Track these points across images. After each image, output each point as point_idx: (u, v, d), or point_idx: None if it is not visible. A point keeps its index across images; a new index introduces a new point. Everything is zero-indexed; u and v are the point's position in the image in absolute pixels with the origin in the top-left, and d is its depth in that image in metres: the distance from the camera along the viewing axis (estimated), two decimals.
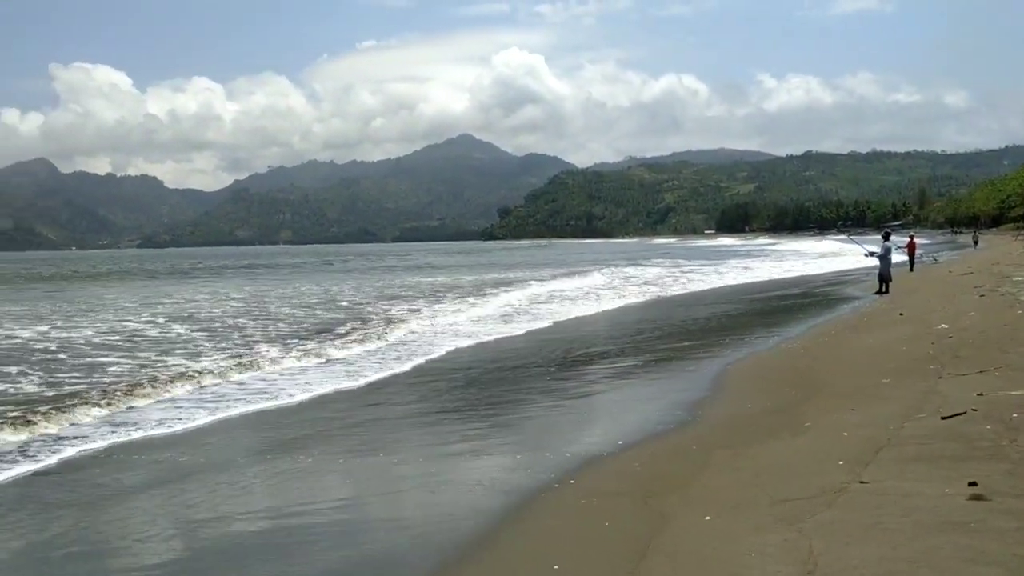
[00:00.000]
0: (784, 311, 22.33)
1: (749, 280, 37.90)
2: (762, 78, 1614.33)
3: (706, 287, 34.28)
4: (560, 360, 14.61)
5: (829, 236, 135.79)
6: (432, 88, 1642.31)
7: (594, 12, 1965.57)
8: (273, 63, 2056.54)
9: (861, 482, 5.95)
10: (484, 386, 12.56)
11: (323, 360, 15.21)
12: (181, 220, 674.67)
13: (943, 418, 7.51)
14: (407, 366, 14.48)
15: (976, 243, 67.04)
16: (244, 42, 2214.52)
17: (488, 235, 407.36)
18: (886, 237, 26.99)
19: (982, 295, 19.86)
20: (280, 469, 8.06)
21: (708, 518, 5.68)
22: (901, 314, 17.79)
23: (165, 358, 15.67)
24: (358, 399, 11.74)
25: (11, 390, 12.48)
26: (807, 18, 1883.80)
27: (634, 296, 29.80)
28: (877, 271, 25.63)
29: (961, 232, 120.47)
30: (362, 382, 12.99)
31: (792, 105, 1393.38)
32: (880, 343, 13.46)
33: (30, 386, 12.80)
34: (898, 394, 9.04)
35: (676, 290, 32.73)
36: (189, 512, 6.87)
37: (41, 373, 14.03)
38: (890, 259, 25.69)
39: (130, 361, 15.43)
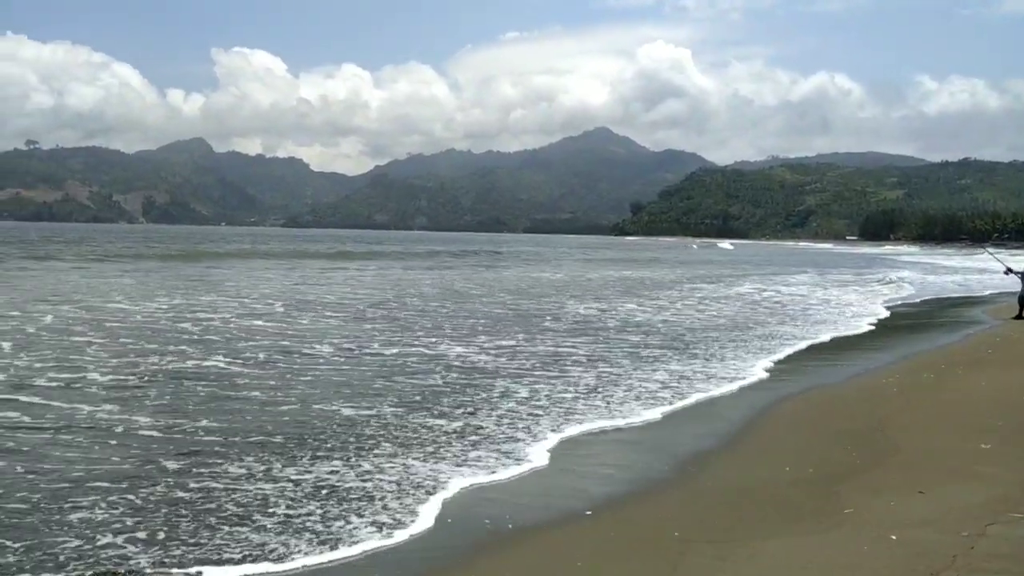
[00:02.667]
0: (885, 332, 18.61)
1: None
2: (921, 79, 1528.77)
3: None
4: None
5: (970, 250, 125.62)
6: (573, 80, 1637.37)
7: (741, 7, 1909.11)
8: (418, 52, 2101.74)
9: None
10: None
11: None
12: (323, 202, 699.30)
13: None
14: None
15: None
16: (391, 31, 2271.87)
17: (619, 230, 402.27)
18: None
19: None
20: None
21: None
22: None
23: None
24: None
25: None
26: (974, 16, 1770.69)
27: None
28: (1018, 293, 21.48)
29: None
30: None
31: (953, 109, 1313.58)
32: (994, 388, 10.28)
33: None
34: (994, 472, 6.38)
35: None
36: None
37: None
38: None
39: None
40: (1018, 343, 15.46)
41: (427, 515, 6.29)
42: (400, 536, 5.92)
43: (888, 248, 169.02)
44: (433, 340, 15.63)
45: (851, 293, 30.95)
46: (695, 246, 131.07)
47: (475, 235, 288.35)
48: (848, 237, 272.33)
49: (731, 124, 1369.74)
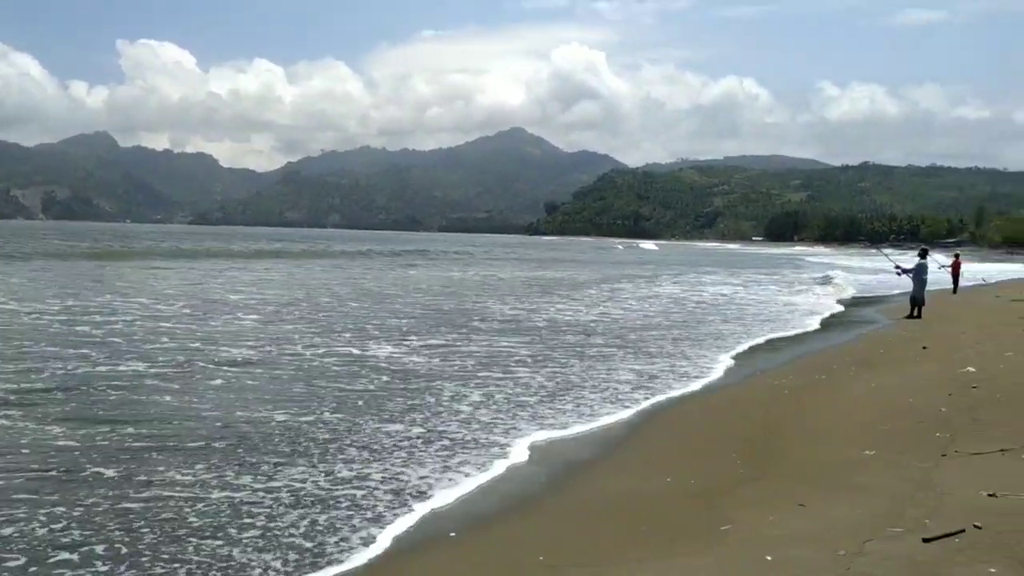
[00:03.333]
0: (761, 322, 19.37)
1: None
2: (823, 85, 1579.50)
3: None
4: None
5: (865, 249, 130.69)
6: (489, 80, 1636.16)
7: (653, 11, 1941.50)
8: (333, 49, 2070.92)
9: None
10: None
11: None
12: (233, 199, 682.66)
13: (925, 540, 4.92)
14: None
15: None
16: (305, 27, 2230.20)
17: (534, 230, 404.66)
18: (923, 254, 23.86)
19: None
20: None
21: None
22: (924, 348, 14.96)
23: None
24: None
25: None
26: (873, 26, 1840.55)
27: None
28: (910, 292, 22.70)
29: (1019, 253, 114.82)
30: None
31: (854, 115, 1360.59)
32: (884, 389, 10.72)
33: None
34: (878, 481, 6.39)
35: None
36: None
37: None
38: (925, 279, 22.66)
39: None
40: (911, 343, 16.22)
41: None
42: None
43: (799, 249, 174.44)
44: (359, 340, 15.25)
45: (796, 295, 31.58)
46: (620, 247, 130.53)
47: (391, 234, 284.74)
48: (754, 238, 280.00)
49: (643, 126, 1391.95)
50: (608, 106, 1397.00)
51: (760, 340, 17.17)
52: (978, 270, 56.90)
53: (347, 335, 16.12)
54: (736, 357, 14.63)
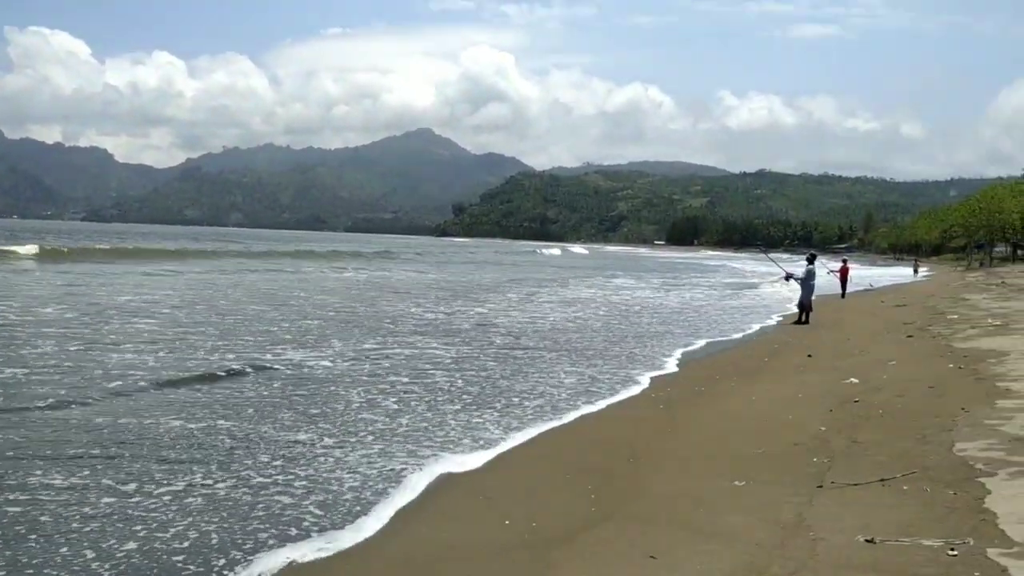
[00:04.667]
0: (657, 336, 18.63)
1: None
2: (723, 95, 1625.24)
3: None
4: None
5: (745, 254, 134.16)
6: (397, 80, 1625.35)
7: (559, 16, 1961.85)
8: (236, 43, 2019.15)
9: None
10: None
11: None
12: (129, 195, 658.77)
13: None
14: None
15: (916, 271, 64.92)
16: (207, 19, 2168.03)
17: (441, 231, 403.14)
18: (811, 260, 23.66)
19: (910, 335, 16.69)
20: None
21: None
22: (809, 356, 14.47)
23: None
24: None
25: None
26: (771, 39, 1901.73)
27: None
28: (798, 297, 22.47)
29: (903, 259, 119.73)
30: None
31: (752, 124, 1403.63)
32: (763, 403, 9.97)
33: None
34: (744, 523, 5.48)
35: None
36: None
37: None
38: (813, 284, 22.47)
39: None
40: (796, 350, 15.74)
41: None
42: None
43: (708, 253, 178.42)
44: (268, 346, 14.03)
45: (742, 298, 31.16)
46: (544, 251, 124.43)
47: (296, 233, 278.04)
48: (656, 242, 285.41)
49: (551, 130, 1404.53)
50: (516, 109, 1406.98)
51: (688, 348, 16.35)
52: (865, 275, 58.51)
53: (251, 340, 14.73)
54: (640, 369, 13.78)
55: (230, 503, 6.15)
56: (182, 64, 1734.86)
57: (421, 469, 7.14)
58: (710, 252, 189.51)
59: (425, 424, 8.92)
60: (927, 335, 16.62)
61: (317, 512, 6.02)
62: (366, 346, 14.71)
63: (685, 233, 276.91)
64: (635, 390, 11.54)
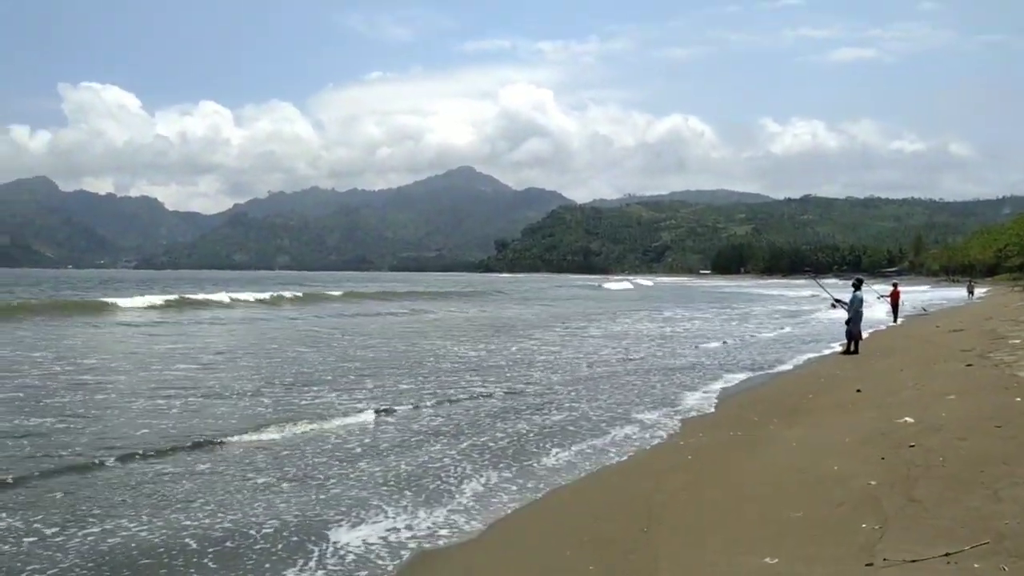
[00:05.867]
0: (698, 371, 17.52)
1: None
2: (765, 121, 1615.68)
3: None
4: None
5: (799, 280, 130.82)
6: (437, 121, 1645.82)
7: (594, 52, 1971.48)
8: (280, 91, 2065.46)
9: None
10: None
11: None
12: (179, 242, 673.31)
13: None
14: None
15: (971, 293, 62.45)
16: (251, 69, 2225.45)
17: (484, 267, 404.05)
18: (857, 285, 22.22)
19: (969, 364, 15.33)
20: None
21: None
22: (859, 391, 13.23)
23: None
24: None
25: None
26: (808, 64, 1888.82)
27: None
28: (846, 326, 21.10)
29: (958, 280, 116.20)
30: None
31: (796, 149, 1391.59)
32: (806, 450, 8.82)
33: None
34: None
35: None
36: None
37: None
38: (861, 311, 21.10)
39: None
40: (843, 384, 14.55)
41: None
42: None
43: (755, 281, 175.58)
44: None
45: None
46: (608, 285, 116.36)
47: (346, 274, 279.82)
48: (701, 271, 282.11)
49: (591, 163, 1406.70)
50: (556, 144, 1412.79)
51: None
52: (918, 298, 56.48)
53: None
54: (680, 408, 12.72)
55: None
56: (228, 113, 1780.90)
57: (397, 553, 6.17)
58: (757, 280, 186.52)
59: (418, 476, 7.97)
60: (988, 363, 15.25)
61: None
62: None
63: (731, 261, 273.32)
64: (665, 436, 10.48)
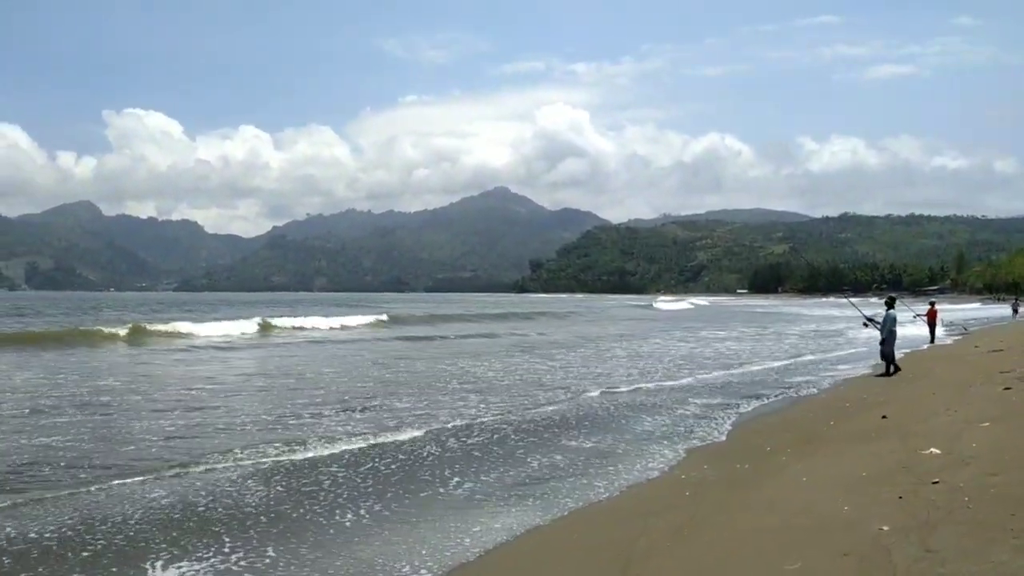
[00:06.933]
0: (719, 393, 16.53)
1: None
2: (803, 140, 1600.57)
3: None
4: None
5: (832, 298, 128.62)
6: (475, 142, 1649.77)
7: (628, 72, 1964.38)
8: (318, 115, 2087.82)
9: None
10: None
11: None
12: (219, 265, 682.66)
13: None
14: None
15: (1016, 312, 60.34)
16: (290, 94, 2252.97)
17: (520, 288, 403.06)
18: (890, 304, 21.01)
19: (1008, 387, 14.27)
20: None
21: None
22: (884, 417, 12.26)
23: None
24: None
25: None
26: (844, 80, 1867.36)
27: None
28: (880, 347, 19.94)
29: (1003, 298, 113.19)
30: None
31: (835, 167, 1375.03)
32: (816, 487, 7.91)
33: None
34: None
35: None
36: None
37: None
38: (895, 332, 19.93)
39: None
40: (869, 408, 13.57)
41: None
42: None
43: (792, 300, 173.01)
44: None
45: None
46: (658, 305, 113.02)
47: (380, 295, 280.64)
48: (739, 291, 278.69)
49: (629, 183, 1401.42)
50: (592, 164, 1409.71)
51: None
52: (958, 317, 54.76)
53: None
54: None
55: None
56: (268, 137, 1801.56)
57: None
58: (794, 299, 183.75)
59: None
60: None
61: None
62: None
63: (768, 280, 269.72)
64: (665, 467, 9.63)
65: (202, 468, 9.44)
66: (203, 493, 8.27)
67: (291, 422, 12.78)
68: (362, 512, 7.72)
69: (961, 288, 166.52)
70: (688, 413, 14.01)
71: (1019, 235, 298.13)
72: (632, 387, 17.77)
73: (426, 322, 52.74)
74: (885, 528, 6.10)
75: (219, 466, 9.58)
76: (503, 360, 25.11)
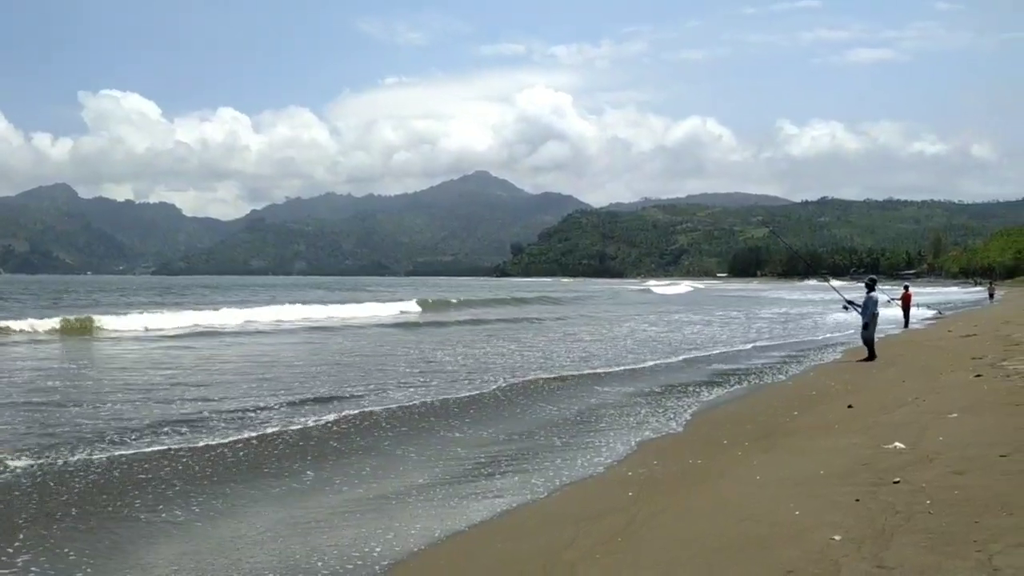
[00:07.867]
0: (681, 378, 15.95)
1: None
2: (782, 124, 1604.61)
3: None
4: None
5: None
6: (455, 125, 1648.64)
7: (608, 55, 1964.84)
8: (297, 97, 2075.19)
9: None
10: None
11: None
12: (197, 248, 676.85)
13: None
14: None
15: (992, 296, 60.28)
16: (269, 76, 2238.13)
17: (500, 271, 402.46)
18: (871, 286, 20.38)
19: (979, 374, 13.76)
20: None
21: None
22: (850, 406, 11.70)
23: None
24: None
25: None
26: (826, 65, 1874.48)
27: None
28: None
29: (980, 282, 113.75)
30: None
31: (814, 151, 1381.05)
32: (767, 488, 7.28)
33: None
34: None
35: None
36: None
37: None
38: (878, 315, 19.39)
39: None
40: (834, 397, 12.97)
41: None
42: None
43: (770, 284, 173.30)
44: None
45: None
46: (657, 289, 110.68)
47: (360, 278, 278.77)
48: (718, 274, 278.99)
49: (609, 167, 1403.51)
50: (573, 148, 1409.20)
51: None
52: (933, 301, 54.77)
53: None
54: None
55: None
56: (246, 119, 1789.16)
57: None
58: (774, 283, 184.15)
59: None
60: (1000, 373, 13.66)
61: None
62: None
63: (747, 264, 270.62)
64: (611, 462, 8.99)
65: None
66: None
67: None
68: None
69: (937, 272, 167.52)
70: (644, 400, 13.38)
71: (994, 220, 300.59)
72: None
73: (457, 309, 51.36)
74: (837, 538, 5.47)
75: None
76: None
